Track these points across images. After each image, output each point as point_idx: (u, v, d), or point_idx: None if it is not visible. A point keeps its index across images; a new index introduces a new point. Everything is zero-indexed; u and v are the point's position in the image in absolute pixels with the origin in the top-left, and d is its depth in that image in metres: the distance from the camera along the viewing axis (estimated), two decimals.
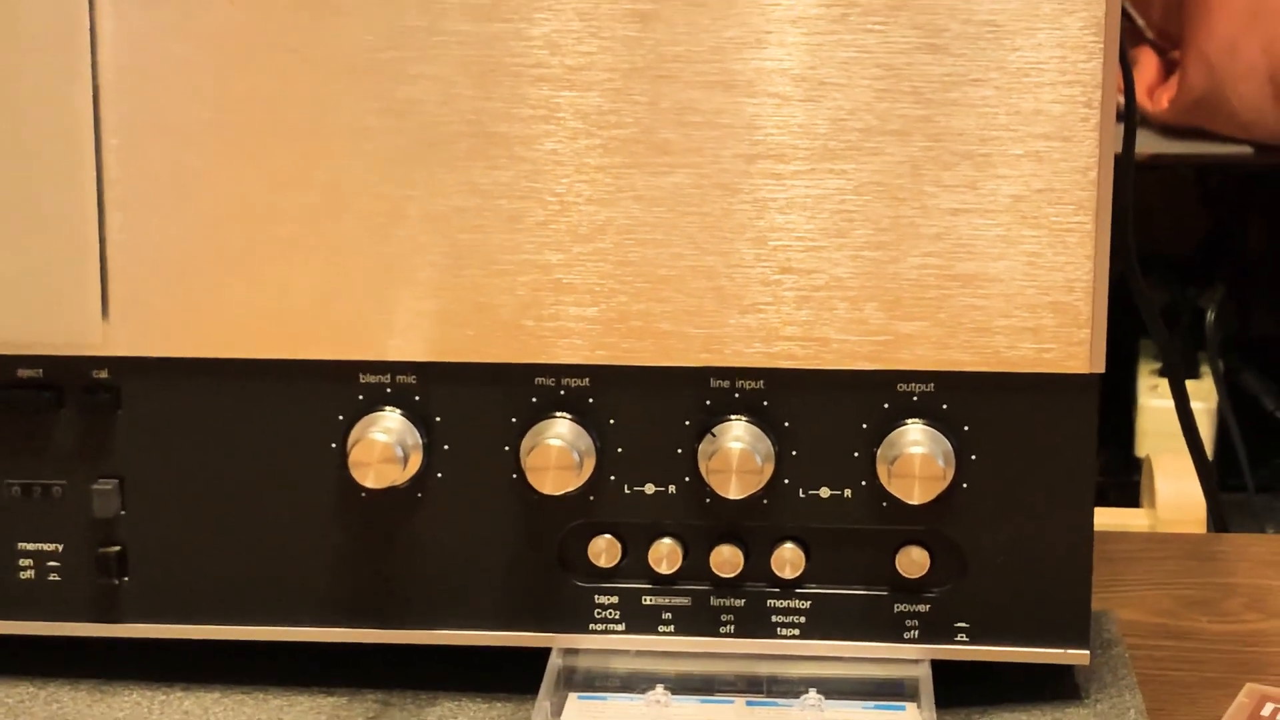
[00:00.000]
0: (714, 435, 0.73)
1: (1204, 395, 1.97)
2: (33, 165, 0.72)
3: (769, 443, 0.73)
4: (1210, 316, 2.06)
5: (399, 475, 0.74)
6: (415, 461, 0.74)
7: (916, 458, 0.72)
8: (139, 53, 0.71)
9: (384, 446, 0.73)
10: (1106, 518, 0.78)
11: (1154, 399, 1.91)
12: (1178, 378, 0.98)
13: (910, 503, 0.73)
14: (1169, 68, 1.93)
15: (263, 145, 0.72)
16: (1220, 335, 2.05)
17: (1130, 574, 0.92)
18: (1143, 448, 1.90)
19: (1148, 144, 1.88)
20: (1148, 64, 1.95)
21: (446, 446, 0.75)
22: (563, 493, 0.73)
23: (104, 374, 0.75)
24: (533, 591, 0.76)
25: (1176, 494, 1.15)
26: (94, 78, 0.71)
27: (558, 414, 0.75)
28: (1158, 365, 1.98)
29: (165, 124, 0.72)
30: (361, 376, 0.75)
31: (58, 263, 0.73)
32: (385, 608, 0.77)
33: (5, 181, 0.72)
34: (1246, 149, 1.86)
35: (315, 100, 0.72)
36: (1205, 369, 2.01)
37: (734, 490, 0.73)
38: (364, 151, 0.72)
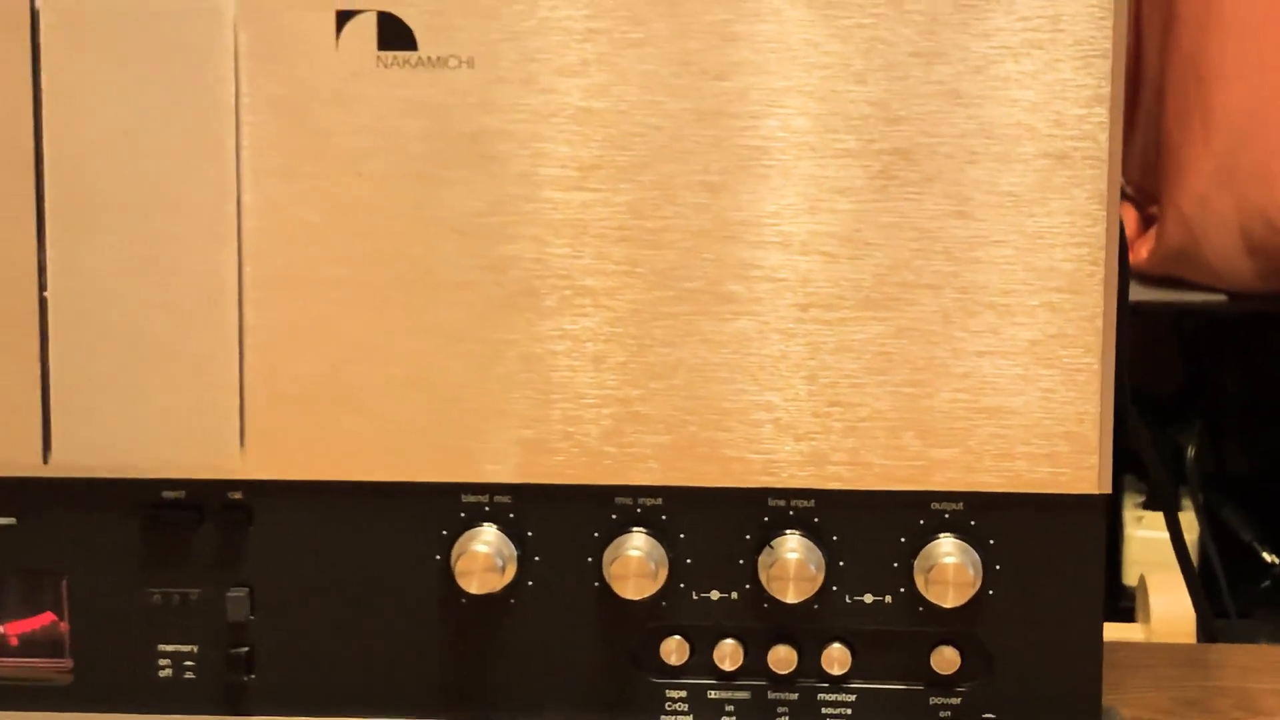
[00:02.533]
0: (772, 548, 0.81)
1: (1186, 527, 2.01)
2: (185, 314, 0.80)
3: (820, 554, 0.81)
4: (1190, 453, 2.11)
5: (498, 583, 0.81)
6: (510, 571, 0.82)
7: (950, 566, 0.79)
8: (277, 218, 0.80)
9: (486, 557, 0.81)
10: (1106, 632, 0.85)
11: (1139, 529, 1.96)
12: (1169, 499, 1.05)
13: (944, 607, 0.80)
14: (1147, 221, 1.99)
15: (381, 296, 0.80)
16: (1199, 471, 2.10)
17: (1130, 679, 0.99)
18: (1130, 575, 1.94)
19: (1130, 292, 1.93)
20: (1128, 218, 2.00)
21: (537, 558, 0.83)
22: (641, 598, 0.81)
23: (238, 495, 0.83)
24: (611, 686, 0.83)
25: (1168, 608, 1.22)
26: (239, 239, 0.80)
27: (635, 529, 0.82)
28: (1141, 499, 2.03)
29: (298, 279, 0.80)
30: (463, 496, 0.82)
31: (202, 398, 0.81)
32: (482, 701, 0.83)
33: (161, 327, 0.80)
34: (1221, 297, 1.91)
35: (427, 258, 0.80)
36: (1186, 502, 2.06)
37: (791, 595, 0.80)
38: (468, 301, 0.80)
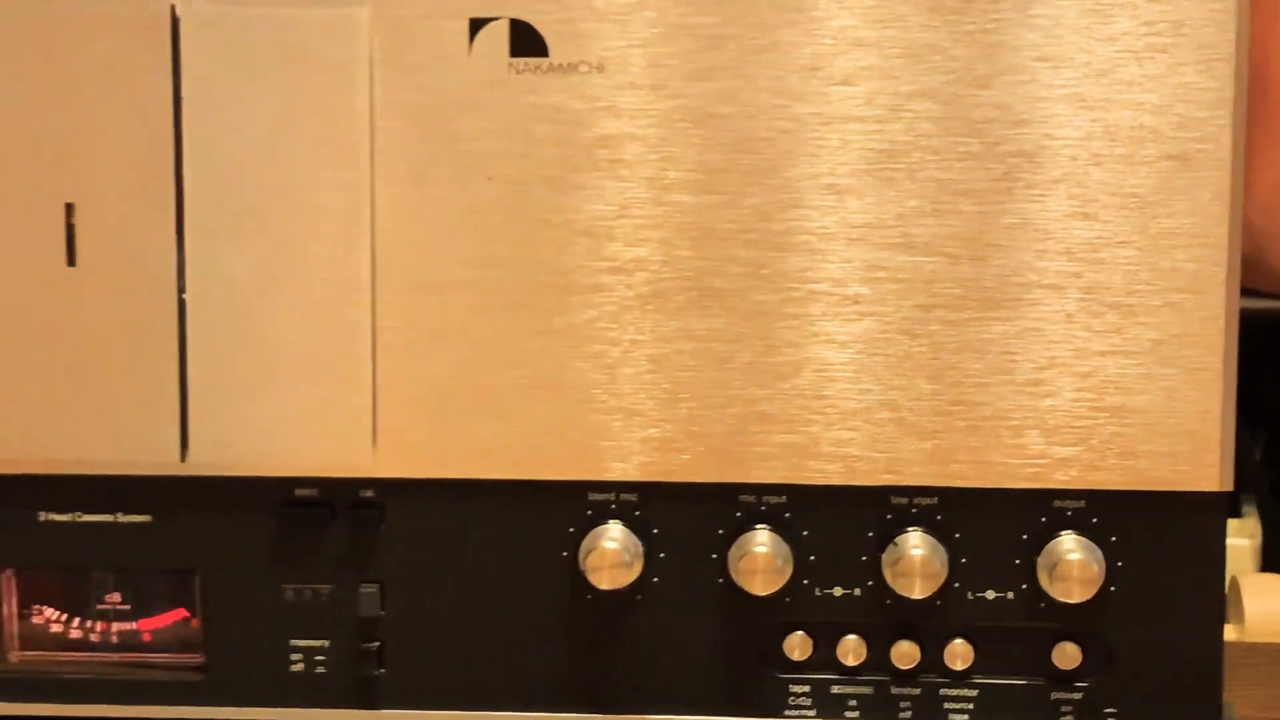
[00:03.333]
0: (896, 545, 0.82)
1: (1249, 532, 2.01)
2: (319, 315, 0.81)
3: (944, 551, 0.82)
4: (1255, 458, 2.11)
5: (626, 579, 0.82)
6: (638, 567, 0.82)
7: (1075, 563, 0.80)
8: (410, 222, 0.81)
9: (615, 553, 0.82)
10: None
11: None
12: (1270, 504, 1.05)
13: (1069, 603, 0.81)
14: None
15: (511, 299, 0.81)
16: (1266, 477, 2.10)
17: (1232, 677, 1.00)
18: None
19: None
20: None
21: (662, 554, 0.84)
22: (767, 594, 0.82)
23: (370, 493, 0.84)
24: (735, 681, 0.84)
25: (1262, 610, 1.22)
26: (372, 243, 0.81)
27: (759, 526, 0.83)
28: None
29: (430, 282, 0.81)
30: (590, 494, 0.83)
31: (336, 398, 0.82)
32: (607, 696, 0.85)
33: (296, 329, 0.81)
34: None
35: (556, 261, 0.81)
36: (1249, 509, 2.06)
37: (917, 592, 0.81)
38: (596, 303, 0.81)
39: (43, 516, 0.84)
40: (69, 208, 0.81)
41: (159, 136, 0.80)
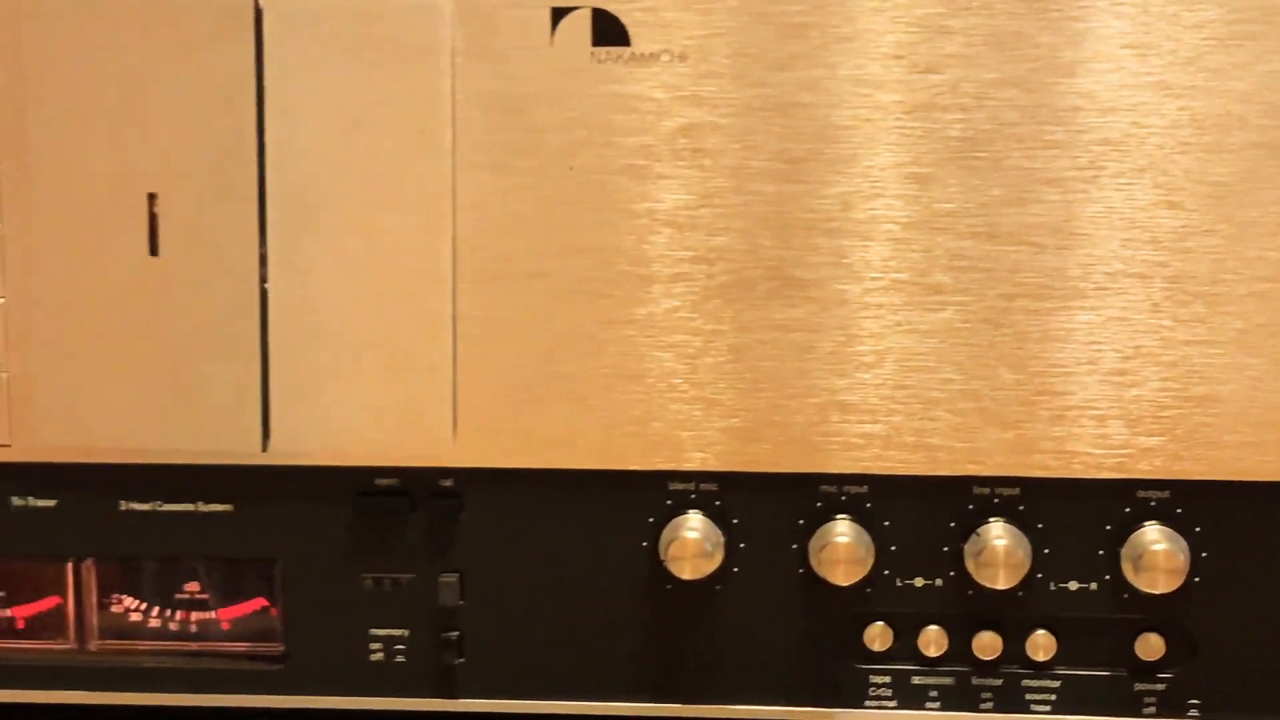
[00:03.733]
0: (978, 535, 0.81)
1: None
2: (400, 305, 0.81)
3: (1027, 541, 0.81)
4: None
5: (708, 568, 0.82)
6: (718, 557, 0.82)
7: (1161, 553, 0.80)
8: (491, 212, 0.81)
9: (696, 543, 0.82)
10: None
11: None
12: None
13: (1154, 594, 0.80)
14: None
15: (592, 288, 0.81)
16: None
17: None
18: None
19: None
20: None
21: (742, 545, 0.83)
22: (849, 583, 0.81)
23: (450, 483, 0.84)
24: (815, 672, 0.84)
25: None
26: (453, 233, 0.81)
27: (839, 516, 0.83)
28: None
29: (511, 272, 0.81)
30: (670, 484, 0.83)
31: (417, 387, 0.82)
32: (687, 686, 0.85)
33: (377, 318, 0.81)
34: None
35: (638, 250, 0.81)
36: None
37: (1001, 582, 0.81)
38: (678, 293, 0.81)
39: (124, 505, 0.85)
40: (152, 198, 0.81)
41: (242, 126, 0.80)
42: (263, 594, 0.86)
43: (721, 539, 0.83)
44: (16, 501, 0.85)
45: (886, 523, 0.83)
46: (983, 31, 0.79)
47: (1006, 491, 0.82)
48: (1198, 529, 0.81)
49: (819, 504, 0.83)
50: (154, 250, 0.81)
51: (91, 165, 0.81)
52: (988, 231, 0.80)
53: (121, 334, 0.82)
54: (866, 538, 0.82)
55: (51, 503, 0.85)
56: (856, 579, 0.82)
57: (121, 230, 0.81)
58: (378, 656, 0.86)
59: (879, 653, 0.84)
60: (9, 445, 0.83)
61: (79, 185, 0.81)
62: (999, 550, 0.81)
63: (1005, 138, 0.79)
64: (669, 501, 0.84)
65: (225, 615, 0.87)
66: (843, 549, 0.81)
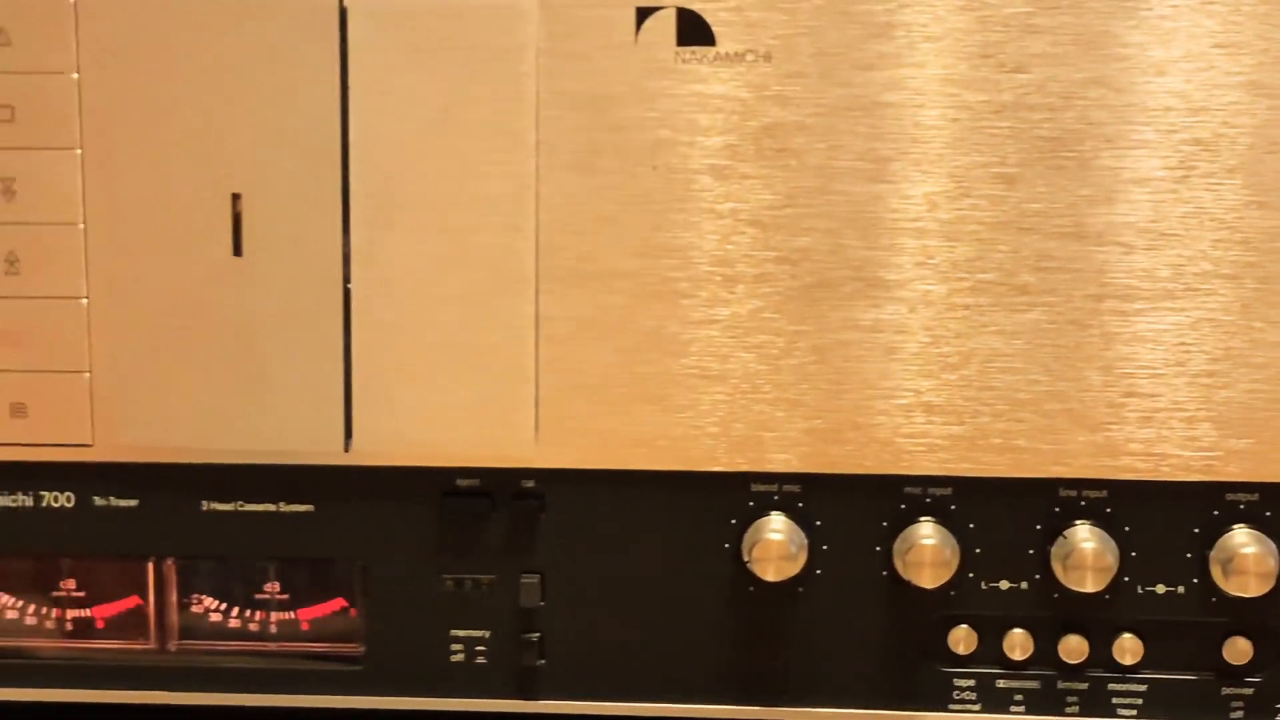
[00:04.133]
0: (1065, 538, 0.81)
1: None
2: (482, 305, 0.81)
3: (1114, 544, 0.81)
4: None
5: (792, 570, 0.82)
6: (802, 559, 0.82)
7: (1251, 557, 0.79)
8: (575, 211, 0.81)
9: (781, 544, 0.82)
10: None
11: None
12: None
13: (1246, 597, 0.80)
14: None
15: (674, 288, 0.81)
16: None
17: None
18: None
19: None
20: None
21: (825, 547, 0.83)
22: (935, 586, 0.81)
23: (531, 483, 0.84)
24: (898, 675, 0.84)
25: None
26: (536, 233, 0.81)
27: (923, 519, 0.83)
28: None
29: (594, 271, 0.81)
30: (753, 485, 0.83)
31: (498, 388, 0.82)
32: (768, 688, 0.84)
33: (459, 318, 0.81)
34: None
35: (721, 250, 0.81)
36: None
37: (1089, 585, 0.80)
38: (762, 293, 0.81)
39: (205, 506, 0.85)
40: (236, 197, 0.81)
41: (326, 126, 0.81)
42: (342, 594, 0.87)
43: (805, 541, 0.83)
44: (98, 501, 0.85)
45: (971, 525, 0.82)
46: (1071, 30, 0.78)
47: (1093, 494, 0.82)
48: None
49: (903, 506, 0.83)
50: (237, 250, 0.82)
51: (176, 165, 0.81)
52: (1075, 232, 0.80)
53: (204, 334, 0.82)
54: (952, 540, 0.82)
55: (133, 503, 0.85)
56: (942, 581, 0.81)
57: (205, 230, 0.82)
58: (458, 658, 0.86)
59: (963, 656, 0.83)
60: (91, 445, 0.84)
61: (163, 185, 0.81)
62: (1087, 553, 0.80)
63: (1094, 137, 0.79)
64: (751, 503, 0.83)
65: (305, 616, 0.87)
66: (929, 551, 0.81)
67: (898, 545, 0.82)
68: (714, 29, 0.80)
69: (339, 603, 0.87)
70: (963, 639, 0.83)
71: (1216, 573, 0.81)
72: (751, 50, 0.80)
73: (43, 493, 0.85)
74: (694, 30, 0.80)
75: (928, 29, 0.79)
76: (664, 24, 0.80)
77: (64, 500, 0.85)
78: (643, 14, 0.80)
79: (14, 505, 0.85)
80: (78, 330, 0.83)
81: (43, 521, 0.85)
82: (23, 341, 0.83)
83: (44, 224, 0.82)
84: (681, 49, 0.80)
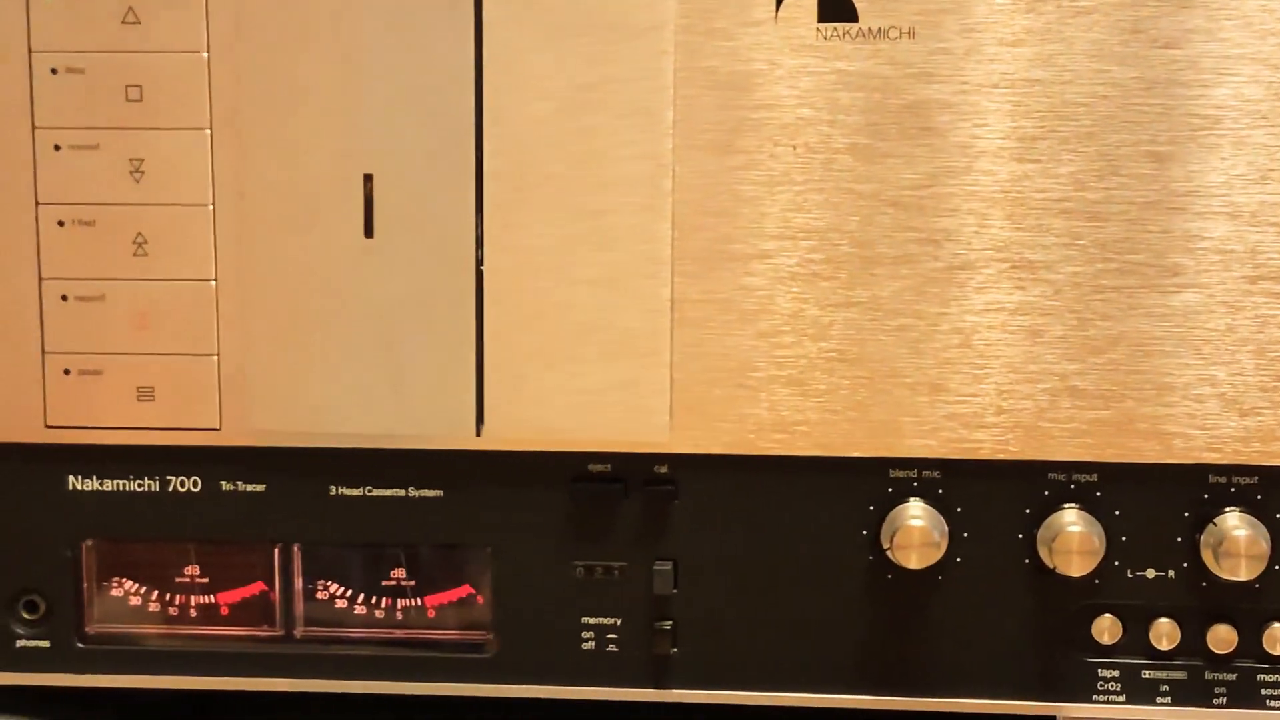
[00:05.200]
0: (1216, 525, 0.80)
1: None
2: (617, 287, 0.81)
3: (1266, 531, 0.80)
4: None
5: (934, 557, 0.81)
6: (944, 546, 0.82)
7: None
8: (712, 193, 0.81)
9: (924, 531, 0.81)
10: None
11: None
12: None
13: None
14: None
15: (813, 270, 0.81)
16: None
17: None
18: None
19: None
20: None
21: (965, 534, 0.83)
22: (1083, 574, 0.81)
23: (665, 469, 0.84)
24: (1041, 665, 0.83)
25: None
26: (672, 214, 0.81)
27: (1067, 505, 0.82)
28: None
29: (731, 253, 0.81)
30: (891, 471, 0.83)
31: (632, 371, 0.82)
32: (906, 678, 0.84)
33: (592, 300, 0.81)
34: None
35: (862, 231, 0.80)
36: None
37: (1244, 573, 0.79)
38: (903, 275, 0.80)
39: (333, 491, 0.85)
40: (368, 179, 0.81)
41: (460, 106, 0.80)
42: (470, 581, 0.87)
43: (946, 528, 0.82)
44: (225, 486, 0.85)
45: (1117, 512, 0.82)
46: (1226, 6, 0.77)
47: (1244, 480, 0.81)
48: None
49: (1046, 492, 0.82)
50: (369, 232, 0.82)
51: (307, 145, 0.81)
52: (1229, 212, 0.79)
53: (334, 317, 0.82)
54: (1098, 527, 0.81)
55: (260, 487, 0.85)
56: (1090, 569, 0.81)
57: (336, 211, 0.81)
58: (589, 645, 0.86)
59: (1107, 646, 0.83)
60: (219, 429, 0.84)
61: (293, 166, 0.81)
62: (1240, 540, 0.79)
63: (1248, 114, 0.78)
64: (890, 489, 0.83)
65: (431, 602, 0.87)
66: (1077, 539, 0.80)
67: (1043, 533, 0.82)
68: (856, 5, 0.79)
69: (466, 589, 0.87)
70: (1107, 628, 0.83)
71: None
72: (895, 26, 0.79)
73: (169, 477, 0.85)
74: (836, 6, 0.79)
75: (1078, 3, 0.78)
76: (805, 0, 0.79)
77: (190, 485, 0.85)
78: None
79: (140, 490, 0.85)
80: (206, 313, 0.83)
81: (169, 506, 0.85)
82: (150, 324, 0.83)
83: (173, 205, 0.82)
84: (823, 25, 0.79)
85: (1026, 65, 0.79)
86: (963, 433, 0.82)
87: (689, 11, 0.80)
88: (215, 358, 0.83)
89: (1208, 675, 0.83)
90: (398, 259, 0.82)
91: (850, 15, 0.79)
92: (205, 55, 0.81)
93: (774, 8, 0.79)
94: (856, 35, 0.79)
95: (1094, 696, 0.83)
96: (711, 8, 0.79)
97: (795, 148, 0.80)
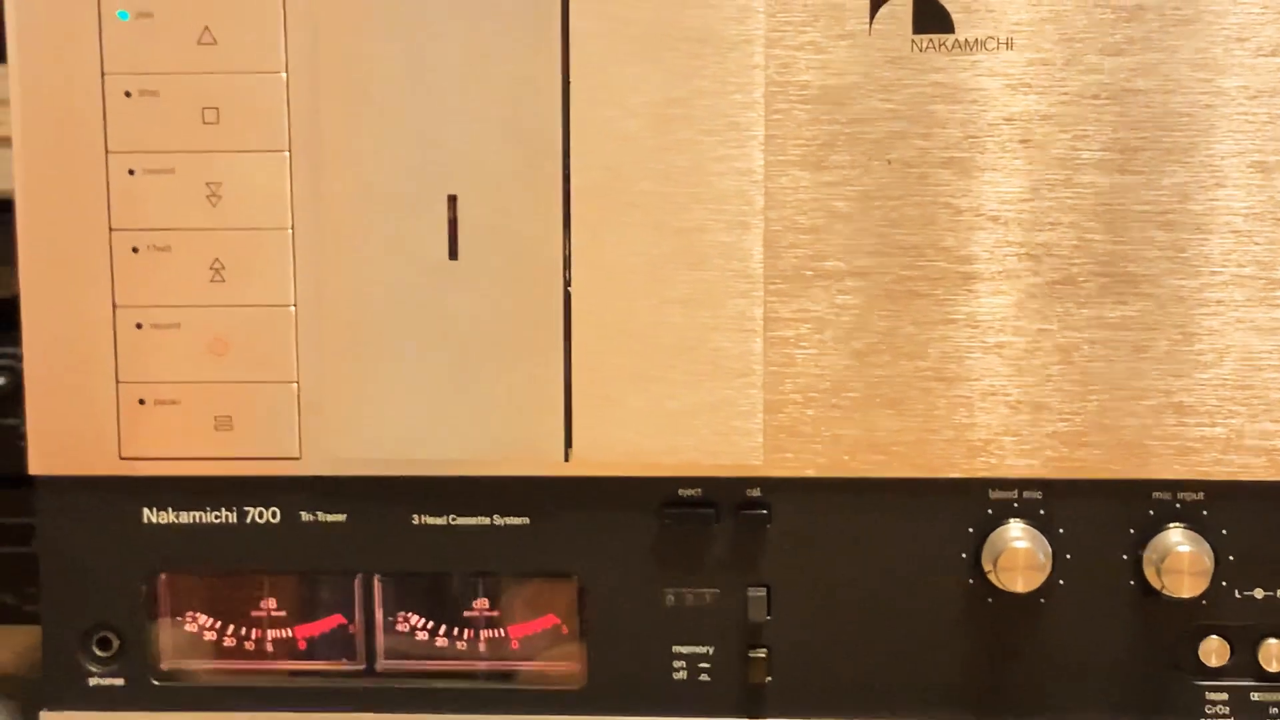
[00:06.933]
0: None
1: None
2: (707, 306, 0.81)
3: None
4: None
5: (1041, 580, 0.81)
6: (1049, 568, 0.82)
7: None
8: (805, 209, 0.81)
9: (1029, 553, 0.81)
10: None
11: None
12: None
13: None
14: None
15: (909, 287, 0.81)
16: None
17: None
18: None
19: None
20: None
21: (1068, 556, 0.83)
22: (1194, 595, 0.81)
23: (757, 493, 0.84)
24: (1146, 688, 0.83)
25: None
26: (764, 231, 0.81)
27: (1172, 525, 0.82)
28: None
29: (824, 270, 0.81)
30: (991, 492, 0.83)
31: (726, 393, 0.82)
32: (1007, 703, 0.84)
33: (682, 320, 0.81)
34: None
35: (959, 247, 0.81)
36: None
37: None
38: (1002, 291, 0.81)
39: (416, 520, 0.85)
40: (452, 199, 0.81)
41: (546, 123, 0.81)
42: (554, 611, 0.87)
43: (1050, 549, 0.82)
44: (305, 516, 0.85)
45: (1224, 531, 0.82)
46: None
47: None
48: None
49: (1151, 512, 0.82)
50: (453, 254, 0.82)
51: (389, 166, 0.81)
52: None
53: (417, 340, 0.82)
54: (1207, 546, 0.81)
55: (341, 517, 0.85)
56: (1201, 590, 0.81)
57: (419, 233, 0.82)
58: (680, 675, 0.86)
59: (1215, 668, 0.83)
60: (298, 458, 0.84)
61: (375, 187, 0.81)
62: None
63: None
64: (990, 510, 0.83)
65: (516, 633, 0.87)
66: (1187, 559, 0.80)
67: (1149, 553, 0.82)
68: (953, 15, 0.79)
69: (551, 619, 0.87)
70: (1215, 650, 0.83)
71: None
72: (993, 37, 0.79)
73: (247, 508, 0.85)
74: (931, 17, 0.80)
75: (1180, 11, 0.78)
76: (900, 12, 0.80)
77: (269, 516, 0.86)
78: (877, 2, 0.80)
79: (217, 521, 0.86)
80: (285, 339, 0.83)
81: (246, 538, 0.86)
82: (228, 351, 0.83)
83: (251, 229, 0.83)
84: (918, 37, 0.80)
85: (1128, 74, 0.79)
86: (1065, 451, 0.82)
87: (780, 24, 0.80)
88: (295, 385, 0.84)
89: None
90: (482, 280, 0.82)
91: (946, 26, 0.80)
92: (284, 76, 0.82)
93: (868, 20, 0.80)
94: (953, 47, 0.80)
95: None
96: (803, 20, 0.80)
97: (890, 162, 0.81)
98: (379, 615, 0.87)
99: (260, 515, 0.86)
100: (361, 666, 0.87)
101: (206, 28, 0.82)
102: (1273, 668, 0.82)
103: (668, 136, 0.81)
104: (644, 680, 0.86)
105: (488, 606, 0.87)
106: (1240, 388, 0.81)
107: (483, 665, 0.87)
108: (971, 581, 0.84)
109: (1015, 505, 0.83)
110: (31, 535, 1.06)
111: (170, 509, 0.86)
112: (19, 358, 1.04)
